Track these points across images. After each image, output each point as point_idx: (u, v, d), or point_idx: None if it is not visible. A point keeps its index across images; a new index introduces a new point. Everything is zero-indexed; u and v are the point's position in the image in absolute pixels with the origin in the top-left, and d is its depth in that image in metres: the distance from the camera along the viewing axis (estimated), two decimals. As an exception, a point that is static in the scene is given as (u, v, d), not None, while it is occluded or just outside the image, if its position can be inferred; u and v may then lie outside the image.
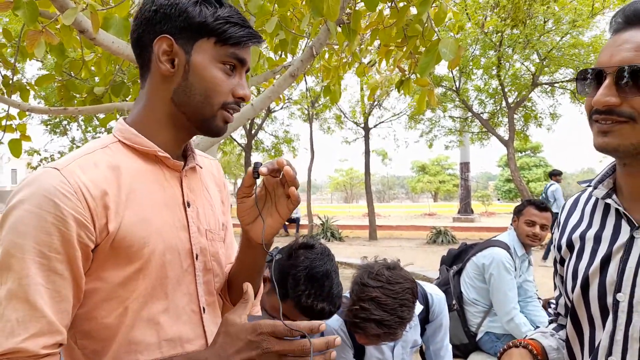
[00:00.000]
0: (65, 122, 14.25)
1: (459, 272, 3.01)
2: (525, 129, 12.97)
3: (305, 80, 12.56)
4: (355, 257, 10.19)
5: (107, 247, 0.81)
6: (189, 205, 0.94)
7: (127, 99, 3.26)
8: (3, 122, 3.02)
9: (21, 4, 1.95)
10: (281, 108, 15.99)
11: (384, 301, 1.63)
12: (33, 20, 1.98)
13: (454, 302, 2.92)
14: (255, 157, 16.95)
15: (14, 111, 3.07)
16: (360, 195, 42.99)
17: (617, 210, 0.96)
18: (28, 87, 3.17)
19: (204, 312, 0.95)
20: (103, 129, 15.07)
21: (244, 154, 16.17)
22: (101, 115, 3.41)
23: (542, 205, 2.87)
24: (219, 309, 1.04)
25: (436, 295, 2.17)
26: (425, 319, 2.14)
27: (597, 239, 0.98)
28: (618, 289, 0.90)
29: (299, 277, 1.54)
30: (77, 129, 14.85)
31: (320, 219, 15.60)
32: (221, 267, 1.03)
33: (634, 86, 0.81)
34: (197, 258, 0.94)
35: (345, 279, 1.65)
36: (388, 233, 15.95)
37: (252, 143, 15.76)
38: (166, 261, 0.87)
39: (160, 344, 0.86)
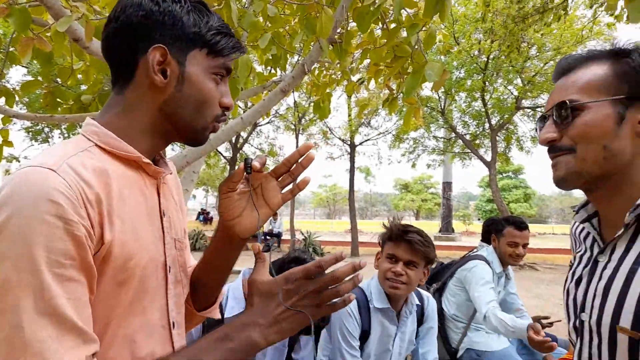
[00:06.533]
0: (47, 130, 14.05)
1: (439, 290, 3.03)
2: (507, 151, 13.25)
3: (294, 96, 12.65)
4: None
5: (100, 258, 0.72)
6: (164, 214, 0.88)
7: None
8: (-14, 127, 2.98)
9: (14, 11, 1.94)
10: (267, 122, 16.03)
11: None
12: (25, 27, 1.97)
13: None
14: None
15: (-3, 116, 3.04)
16: (343, 211, 43.05)
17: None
18: (14, 93, 3.14)
19: (173, 327, 0.88)
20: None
21: (228, 167, 16.11)
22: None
23: (522, 225, 2.92)
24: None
25: (431, 299, 2.30)
26: (419, 319, 2.23)
27: (580, 260, 1.04)
28: (582, 309, 0.95)
29: None
30: (59, 137, 14.65)
31: (302, 234, 15.55)
32: (188, 278, 0.98)
33: (566, 119, 0.92)
34: (169, 270, 0.87)
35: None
36: (370, 249, 15.96)
37: (237, 156, 15.73)
38: (147, 274, 0.81)
39: None
